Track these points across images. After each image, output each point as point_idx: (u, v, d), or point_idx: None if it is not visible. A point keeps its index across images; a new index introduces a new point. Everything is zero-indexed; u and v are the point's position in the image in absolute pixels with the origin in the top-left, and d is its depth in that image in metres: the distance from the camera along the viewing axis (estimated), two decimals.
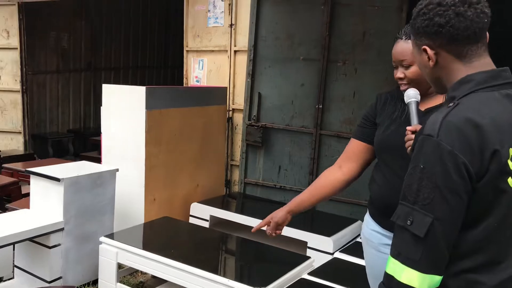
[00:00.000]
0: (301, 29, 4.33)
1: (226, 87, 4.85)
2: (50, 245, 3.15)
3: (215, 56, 5.05)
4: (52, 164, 3.76)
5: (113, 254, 3.19)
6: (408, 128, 1.54)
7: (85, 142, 7.94)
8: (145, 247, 3.16)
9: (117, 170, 3.54)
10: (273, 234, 1.93)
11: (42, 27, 7.38)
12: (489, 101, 1.15)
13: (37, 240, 3.16)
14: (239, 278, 2.86)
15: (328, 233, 3.49)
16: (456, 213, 1.09)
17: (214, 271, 2.88)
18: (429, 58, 1.25)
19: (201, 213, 4.13)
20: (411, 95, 1.61)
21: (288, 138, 4.49)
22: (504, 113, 1.14)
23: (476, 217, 1.12)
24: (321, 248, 3.44)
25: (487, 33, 1.23)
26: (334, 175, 1.93)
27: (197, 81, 5.23)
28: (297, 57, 4.38)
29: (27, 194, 4.85)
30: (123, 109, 3.90)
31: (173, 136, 4.09)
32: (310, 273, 2.90)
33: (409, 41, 1.62)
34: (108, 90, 4.02)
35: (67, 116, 8.16)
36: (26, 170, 3.40)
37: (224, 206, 4.35)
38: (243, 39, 4.75)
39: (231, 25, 4.86)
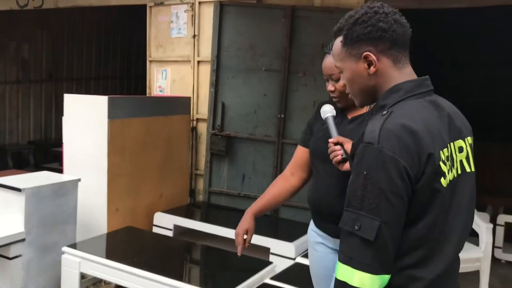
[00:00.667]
0: (263, 40, 4.44)
1: (190, 97, 4.90)
2: (11, 256, 3.11)
3: (179, 66, 5.10)
4: (12, 175, 3.72)
5: (76, 264, 3.18)
6: (330, 140, 1.64)
7: (46, 154, 7.79)
8: (109, 256, 3.17)
9: (79, 180, 3.53)
10: (248, 245, 1.92)
11: (2, 37, 7.25)
12: (418, 108, 1.24)
13: None
14: (204, 284, 2.91)
15: (290, 239, 3.58)
16: (400, 215, 1.17)
17: (179, 278, 2.92)
18: (368, 65, 1.29)
19: (165, 223, 4.15)
20: (327, 110, 1.72)
21: (252, 147, 4.58)
22: (432, 118, 1.23)
23: (416, 217, 1.20)
24: (283, 253, 3.52)
25: None
26: (288, 183, 2.02)
27: (161, 91, 5.26)
28: (260, 67, 4.49)
29: None
30: (85, 118, 3.90)
31: (136, 145, 4.11)
32: (272, 278, 2.98)
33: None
34: (69, 100, 4.01)
35: (27, 127, 8.00)
36: None
37: (188, 215, 4.39)
38: (206, 50, 4.83)
39: (194, 36, 4.93)
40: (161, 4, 5.12)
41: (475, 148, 1.37)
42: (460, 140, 1.28)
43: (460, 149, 1.27)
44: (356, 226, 1.15)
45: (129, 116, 4.00)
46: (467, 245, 3.55)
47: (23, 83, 7.82)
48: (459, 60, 6.79)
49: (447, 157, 1.21)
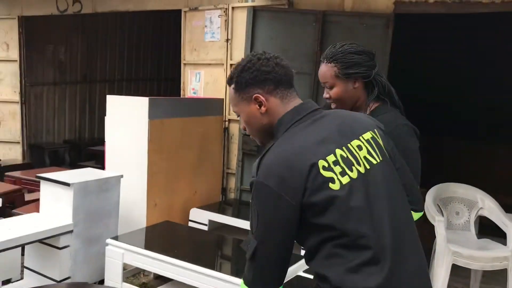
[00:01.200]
0: (294, 44, 4.59)
1: (223, 99, 5.08)
2: (60, 246, 3.33)
3: (212, 69, 5.29)
4: (52, 172, 3.95)
5: (119, 255, 3.38)
6: None
7: (80, 152, 8.10)
8: (149, 248, 3.35)
9: (122, 176, 3.75)
10: None
11: (40, 40, 7.56)
12: (298, 132, 1.40)
13: (47, 241, 3.34)
14: (235, 274, 3.06)
15: None
16: (279, 236, 1.34)
17: (215, 268, 3.08)
18: (259, 106, 1.46)
19: (200, 218, 4.34)
20: None
21: None
22: (310, 136, 1.38)
23: (321, 222, 1.31)
24: None
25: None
26: None
27: (194, 93, 5.46)
28: None
29: (30, 201, 5.03)
30: (126, 118, 4.11)
31: (173, 145, 4.31)
32: (305, 271, 3.12)
33: (329, 64, 1.85)
34: (112, 101, 4.23)
35: (63, 127, 8.32)
36: (37, 176, 3.59)
37: (222, 211, 4.56)
38: (239, 53, 5.01)
39: (227, 40, 5.12)
40: (196, 9, 5.32)
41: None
42: (355, 140, 1.40)
43: (359, 147, 1.40)
44: (247, 248, 1.38)
45: (167, 117, 4.20)
46: (495, 244, 3.65)
47: (60, 84, 8.14)
48: (488, 61, 6.81)
49: (335, 161, 1.33)
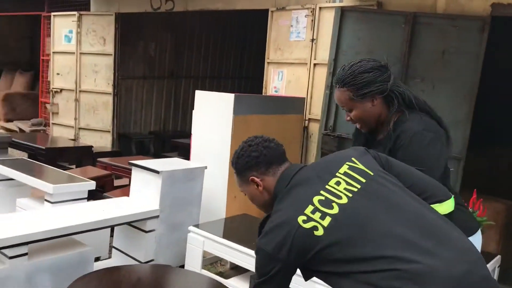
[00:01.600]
0: (382, 45, 4.52)
1: (304, 98, 5.12)
2: (147, 229, 3.54)
3: (295, 68, 5.35)
4: (141, 160, 4.19)
5: (200, 242, 3.53)
6: None
7: (163, 144, 8.50)
8: (228, 238, 3.47)
9: (206, 167, 3.90)
10: None
11: (133, 36, 8.03)
12: (283, 200, 1.57)
13: (135, 224, 3.56)
14: None
15: None
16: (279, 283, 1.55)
17: None
18: (257, 186, 1.68)
19: None
20: None
21: None
22: (291, 200, 1.56)
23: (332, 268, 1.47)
24: None
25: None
26: None
27: (276, 91, 5.54)
28: None
29: (118, 186, 5.38)
30: (212, 113, 4.28)
31: None
32: None
33: (342, 89, 1.89)
34: (200, 96, 4.42)
35: (149, 119, 8.77)
36: (129, 162, 3.83)
37: None
38: (323, 53, 5.02)
39: (312, 40, 5.15)
40: (283, 9, 5.40)
41: None
42: (333, 179, 1.54)
43: (338, 183, 1.53)
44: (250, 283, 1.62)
45: (250, 113, 4.31)
46: None
47: (148, 79, 8.59)
48: None
49: (313, 210, 1.47)
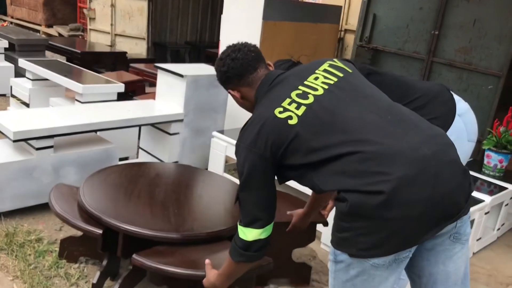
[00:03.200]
0: (411, 20, 4.19)
1: (341, 6, 4.86)
2: (171, 132, 3.60)
3: None
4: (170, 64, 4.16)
5: (223, 147, 3.57)
6: None
7: (199, 54, 8.42)
8: None
9: None
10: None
11: None
12: (262, 101, 1.58)
13: (160, 126, 3.62)
14: None
15: None
16: (255, 184, 1.53)
17: None
18: (235, 96, 1.70)
19: None
20: None
21: (398, 62, 4.48)
22: (272, 97, 1.55)
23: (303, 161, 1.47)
24: None
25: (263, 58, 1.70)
26: None
27: None
28: None
29: (149, 93, 5.43)
30: (241, 18, 4.13)
31: (284, 49, 4.26)
32: None
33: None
34: (229, 0, 4.25)
35: (186, 28, 8.64)
36: (155, 65, 3.82)
37: None
38: None
39: None
40: None
41: None
42: (311, 75, 1.55)
43: (316, 78, 1.53)
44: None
45: (281, 19, 4.14)
46: None
47: None
48: None
49: (290, 102, 1.48)
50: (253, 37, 4.03)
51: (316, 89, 1.50)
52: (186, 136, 3.70)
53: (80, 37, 8.72)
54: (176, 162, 3.70)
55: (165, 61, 7.74)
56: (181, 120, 3.62)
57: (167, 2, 8.13)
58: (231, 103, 4.06)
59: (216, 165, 3.66)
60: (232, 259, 1.64)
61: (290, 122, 1.45)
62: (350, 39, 4.94)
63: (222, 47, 4.30)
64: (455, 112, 2.12)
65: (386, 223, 1.30)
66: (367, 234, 1.32)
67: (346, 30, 4.97)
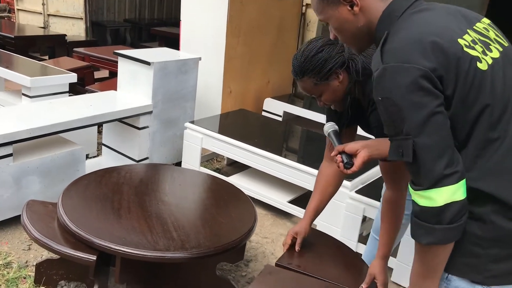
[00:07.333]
0: None
1: None
2: (140, 126, 3.27)
3: None
4: (124, 50, 3.79)
5: (198, 139, 3.30)
6: (332, 154, 1.59)
7: (140, 32, 7.92)
8: (226, 134, 3.25)
9: (200, 58, 3.55)
10: (298, 248, 1.90)
11: None
12: (415, 18, 1.11)
13: (127, 121, 3.28)
14: (305, 162, 2.95)
15: None
16: (435, 121, 1.04)
17: (280, 153, 3.03)
18: (351, 6, 1.17)
19: (274, 108, 4.18)
20: (327, 127, 1.67)
21: None
22: (433, 17, 1.12)
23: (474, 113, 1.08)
24: None
25: None
26: (333, 171, 1.88)
27: None
28: None
29: (99, 79, 4.99)
30: None
31: (250, 28, 4.02)
32: None
33: (303, 79, 1.64)
34: None
35: (123, 5, 8.06)
36: (114, 52, 3.43)
37: (293, 103, 4.37)
38: None
39: None
40: None
41: None
42: (478, 23, 1.16)
43: (486, 29, 1.15)
44: (400, 153, 1.08)
45: None
46: None
47: None
48: None
49: (473, 40, 1.09)
50: (219, 15, 3.74)
51: (494, 43, 1.14)
52: (156, 129, 3.38)
53: (6, 18, 7.88)
54: (147, 158, 3.38)
55: (105, 42, 7.20)
56: (150, 112, 3.29)
57: None
58: (200, 91, 3.77)
59: (191, 158, 3.40)
60: (420, 241, 1.10)
61: (479, 65, 1.07)
62: (312, 14, 4.75)
63: (184, 28, 3.98)
64: None
65: None
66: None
67: (307, 5, 4.77)
